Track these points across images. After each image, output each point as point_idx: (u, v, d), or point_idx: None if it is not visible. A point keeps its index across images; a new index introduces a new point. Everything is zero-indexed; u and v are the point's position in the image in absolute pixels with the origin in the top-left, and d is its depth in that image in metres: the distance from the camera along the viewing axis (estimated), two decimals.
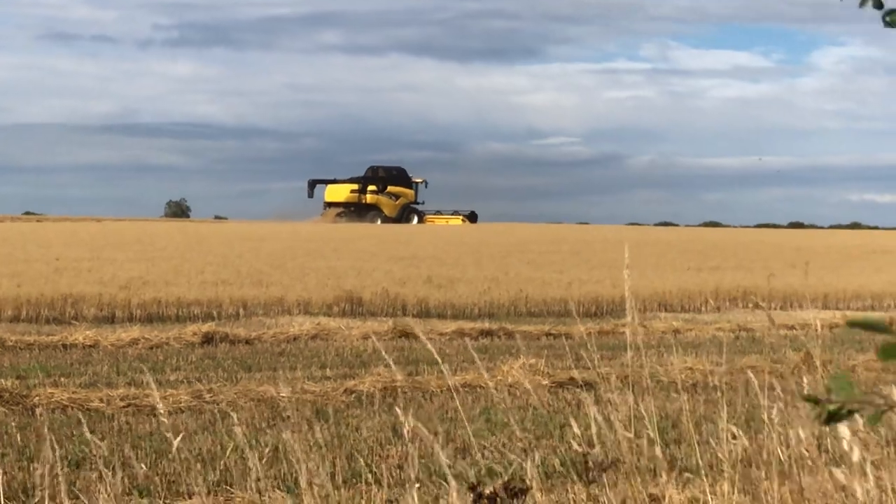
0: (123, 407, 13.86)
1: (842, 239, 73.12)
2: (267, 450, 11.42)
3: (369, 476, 10.22)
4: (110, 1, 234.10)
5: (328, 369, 17.52)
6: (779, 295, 30.58)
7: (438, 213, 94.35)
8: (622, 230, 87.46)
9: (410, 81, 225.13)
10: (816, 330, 8.58)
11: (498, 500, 4.23)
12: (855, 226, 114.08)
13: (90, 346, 19.59)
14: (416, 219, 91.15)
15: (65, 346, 19.54)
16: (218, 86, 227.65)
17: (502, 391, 15.21)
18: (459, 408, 10.64)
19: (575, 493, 7.09)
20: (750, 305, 30.27)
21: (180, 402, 14.10)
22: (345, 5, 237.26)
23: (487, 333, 22.34)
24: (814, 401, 2.19)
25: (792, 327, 24.67)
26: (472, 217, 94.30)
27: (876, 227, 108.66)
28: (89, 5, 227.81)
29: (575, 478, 6.03)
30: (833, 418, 2.19)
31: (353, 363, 18.17)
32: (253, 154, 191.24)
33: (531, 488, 4.64)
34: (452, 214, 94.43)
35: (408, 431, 6.07)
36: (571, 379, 15.60)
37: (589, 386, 15.58)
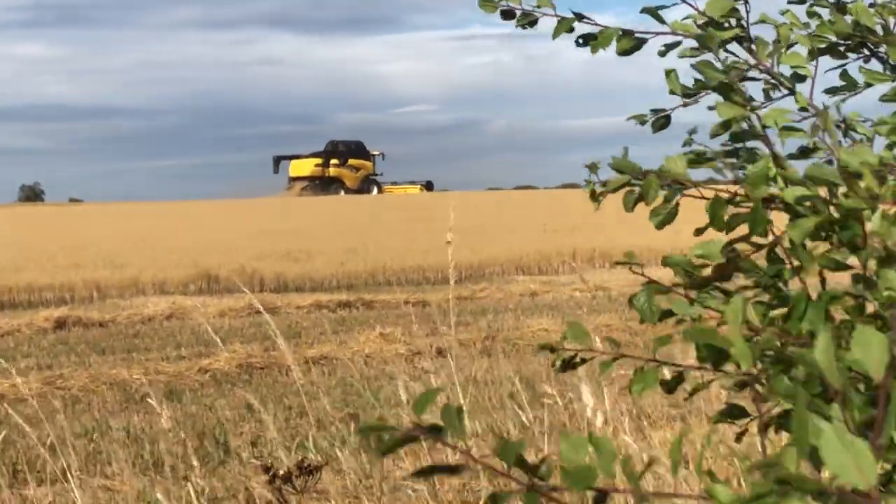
0: None
1: (695, 193, 74.09)
2: (119, 433, 11.27)
3: (222, 454, 10.13)
4: None
5: (183, 349, 17.31)
6: (636, 253, 30.88)
7: (395, 183, 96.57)
8: (481, 195, 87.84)
9: (269, 55, 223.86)
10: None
11: (292, 478, 4.20)
12: (711, 181, 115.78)
13: None
14: (375, 189, 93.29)
15: None
16: (72, 66, 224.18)
17: (358, 362, 15.20)
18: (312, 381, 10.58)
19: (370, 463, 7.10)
20: (607, 265, 30.59)
21: (30, 390, 13.81)
22: None
23: (346, 305, 22.27)
24: (549, 349, 2.23)
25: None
26: (428, 186, 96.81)
27: (728, 182, 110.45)
28: None
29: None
30: (567, 366, 2.24)
31: (208, 341, 17.97)
32: (110, 134, 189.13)
33: (325, 465, 4.61)
34: (409, 184, 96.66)
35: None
36: (429, 346, 15.60)
37: (446, 352, 15.65)
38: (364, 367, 15.00)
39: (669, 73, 2.41)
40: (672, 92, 2.42)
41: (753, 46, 2.33)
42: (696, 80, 2.37)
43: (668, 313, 2.21)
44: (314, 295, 23.87)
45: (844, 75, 2.47)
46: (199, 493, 7.05)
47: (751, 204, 2.06)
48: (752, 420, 2.23)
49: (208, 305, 21.84)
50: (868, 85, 2.44)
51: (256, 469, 4.88)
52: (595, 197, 2.36)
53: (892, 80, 2.40)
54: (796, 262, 2.02)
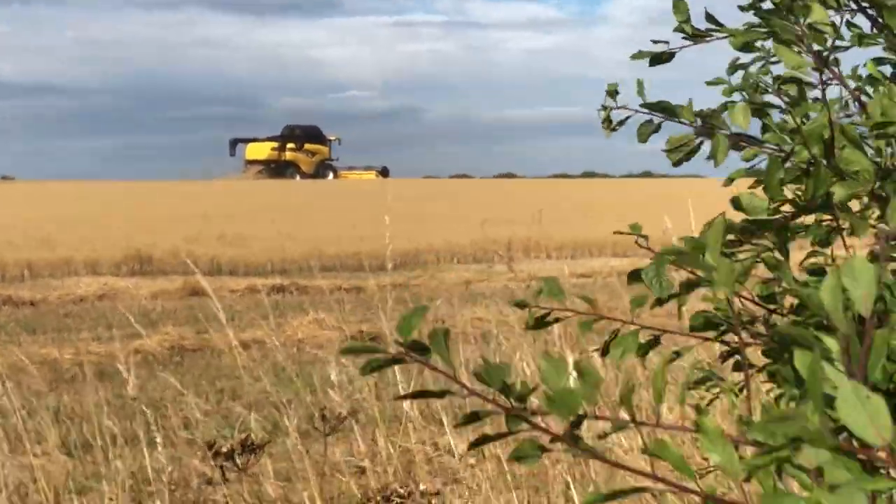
0: None
1: (633, 187, 74.55)
2: (48, 413, 11.15)
3: (153, 434, 10.05)
4: None
5: (115, 330, 17.15)
6: (570, 244, 31.06)
7: (351, 168, 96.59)
8: (417, 184, 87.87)
9: (207, 36, 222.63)
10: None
11: (235, 455, 4.20)
12: (646, 174, 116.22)
13: None
14: (331, 174, 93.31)
15: None
16: (5, 42, 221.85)
17: (291, 347, 15.16)
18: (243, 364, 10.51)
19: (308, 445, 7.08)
20: (543, 256, 30.68)
21: None
22: None
23: (280, 289, 22.21)
24: (522, 305, 2.12)
25: (582, 275, 25.10)
26: (384, 172, 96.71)
27: (665, 176, 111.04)
28: None
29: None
30: (540, 324, 2.11)
31: (141, 323, 17.82)
32: (43, 112, 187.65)
33: (268, 443, 4.60)
34: (365, 169, 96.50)
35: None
36: (361, 332, 15.61)
37: (379, 338, 15.63)
38: (296, 352, 14.96)
39: (678, 3, 2.25)
40: (680, 29, 2.26)
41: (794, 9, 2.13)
42: (710, 17, 2.23)
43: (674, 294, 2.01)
44: (248, 279, 23.79)
45: (834, 28, 2.31)
46: (129, 473, 6.99)
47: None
48: (728, 388, 2.20)
49: (141, 287, 21.71)
50: (855, 44, 2.29)
51: (192, 448, 4.84)
52: (610, 126, 2.25)
53: (883, 43, 2.25)
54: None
